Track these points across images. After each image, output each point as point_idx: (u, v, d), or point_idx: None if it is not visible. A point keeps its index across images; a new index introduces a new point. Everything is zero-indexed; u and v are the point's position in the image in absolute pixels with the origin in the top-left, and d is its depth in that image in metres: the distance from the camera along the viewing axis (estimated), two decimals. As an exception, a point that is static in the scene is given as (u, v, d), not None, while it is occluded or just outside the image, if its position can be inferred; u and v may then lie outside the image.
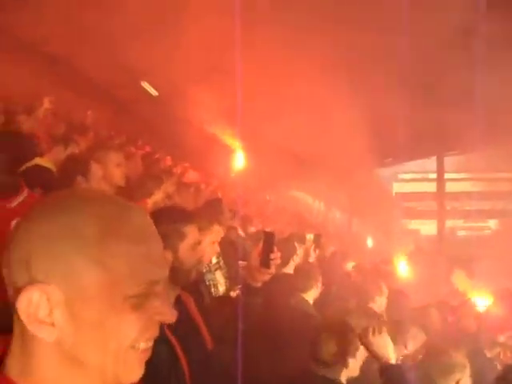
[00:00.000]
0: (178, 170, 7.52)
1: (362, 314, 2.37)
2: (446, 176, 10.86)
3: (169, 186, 4.45)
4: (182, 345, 1.51)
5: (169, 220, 1.62)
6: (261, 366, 2.09)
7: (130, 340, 0.65)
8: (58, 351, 0.63)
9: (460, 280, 4.70)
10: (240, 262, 3.82)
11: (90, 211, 0.65)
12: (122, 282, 0.64)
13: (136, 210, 0.71)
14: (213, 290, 2.96)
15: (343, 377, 1.83)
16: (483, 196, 19.86)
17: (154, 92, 9.06)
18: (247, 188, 9.86)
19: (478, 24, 4.52)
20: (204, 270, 2.97)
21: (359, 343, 1.83)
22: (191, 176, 7.81)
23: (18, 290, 0.62)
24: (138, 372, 0.68)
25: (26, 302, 0.61)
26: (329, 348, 1.80)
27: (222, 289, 3.02)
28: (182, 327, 1.57)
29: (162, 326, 1.47)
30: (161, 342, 1.42)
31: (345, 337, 1.82)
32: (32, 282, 0.61)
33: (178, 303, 1.64)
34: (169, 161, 7.76)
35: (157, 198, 3.82)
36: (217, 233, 2.95)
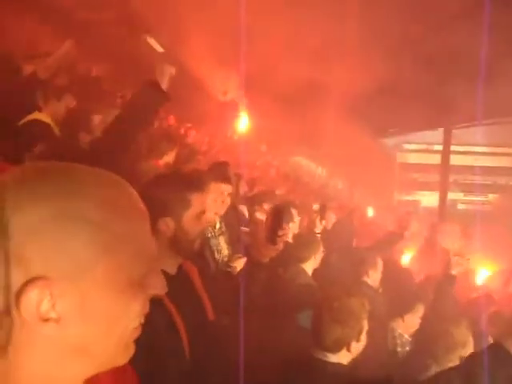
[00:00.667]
0: (181, 130, 7.43)
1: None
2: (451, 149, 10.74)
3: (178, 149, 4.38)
4: (181, 312, 1.48)
5: (174, 187, 1.54)
6: (260, 341, 2.09)
7: (134, 323, 0.65)
8: (59, 342, 0.60)
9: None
10: (242, 228, 3.81)
11: (90, 193, 0.60)
12: (127, 265, 0.62)
13: (128, 185, 0.67)
14: (217, 255, 2.95)
15: (346, 360, 1.81)
16: (485, 171, 19.78)
17: (159, 48, 8.83)
18: (251, 151, 9.77)
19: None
20: (209, 235, 2.96)
21: (363, 324, 1.81)
22: (194, 136, 7.71)
23: (16, 295, 0.55)
24: (132, 351, 0.67)
25: (29, 305, 0.56)
26: (332, 336, 1.76)
27: (225, 253, 3.01)
28: (183, 296, 1.55)
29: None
30: (158, 307, 1.38)
31: (348, 322, 1.78)
32: (30, 279, 0.56)
33: (180, 272, 1.60)
34: (172, 120, 7.64)
35: (168, 159, 3.75)
36: (223, 192, 2.93)
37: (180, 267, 1.61)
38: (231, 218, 3.55)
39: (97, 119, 3.24)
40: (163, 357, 1.42)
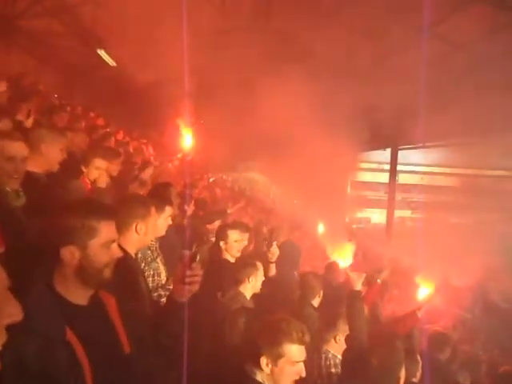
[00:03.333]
0: (131, 145, 7.29)
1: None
2: (399, 168, 11.16)
3: (114, 166, 4.29)
4: (89, 349, 1.42)
5: (80, 214, 1.48)
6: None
7: None
8: None
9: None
10: (184, 251, 3.76)
11: None
12: None
13: None
14: (156, 278, 2.89)
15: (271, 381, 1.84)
16: (432, 189, 20.63)
17: (111, 62, 8.69)
18: (202, 168, 9.72)
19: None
20: (149, 259, 2.90)
21: (288, 349, 1.83)
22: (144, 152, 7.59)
23: None
24: None
25: None
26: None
27: (163, 275, 2.95)
28: (93, 329, 1.49)
29: (62, 328, 1.38)
30: (58, 345, 1.34)
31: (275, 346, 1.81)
32: None
33: (94, 303, 1.55)
34: (121, 135, 7.51)
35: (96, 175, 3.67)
36: (167, 216, 2.89)
37: (94, 297, 1.56)
38: (173, 239, 3.51)
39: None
40: None
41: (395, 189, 10.81)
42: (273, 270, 3.76)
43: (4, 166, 2.33)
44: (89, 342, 1.43)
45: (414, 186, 20.58)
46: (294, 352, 1.83)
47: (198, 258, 1.72)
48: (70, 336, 1.39)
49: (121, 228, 2.28)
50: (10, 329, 1.29)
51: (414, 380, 2.86)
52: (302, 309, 3.60)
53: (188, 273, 1.66)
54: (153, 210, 2.61)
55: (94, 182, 3.65)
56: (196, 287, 1.70)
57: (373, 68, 7.73)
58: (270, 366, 1.81)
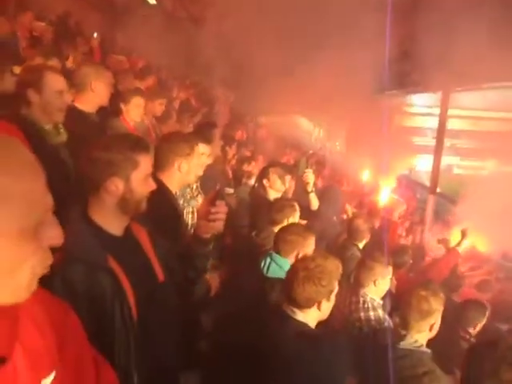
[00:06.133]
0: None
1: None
2: (449, 112, 10.56)
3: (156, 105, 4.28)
4: (129, 276, 1.49)
5: (122, 147, 1.53)
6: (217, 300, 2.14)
7: (29, 264, 0.73)
8: None
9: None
10: (226, 189, 3.79)
11: None
12: (18, 216, 0.70)
13: (20, 145, 0.75)
14: (196, 216, 2.92)
15: (313, 320, 1.85)
16: (483, 136, 19.60)
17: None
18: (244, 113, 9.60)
19: None
20: (188, 197, 2.93)
21: (334, 285, 1.83)
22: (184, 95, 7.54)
23: None
24: (32, 290, 0.78)
25: None
26: (304, 293, 1.79)
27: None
28: (131, 259, 1.56)
29: (104, 256, 1.45)
30: (103, 272, 1.41)
31: (321, 281, 1.80)
32: None
33: (128, 234, 1.60)
34: (163, 74, 7.44)
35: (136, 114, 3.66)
36: (203, 152, 2.89)
37: (127, 228, 1.60)
38: (214, 179, 3.51)
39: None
40: (112, 321, 1.41)
41: (444, 134, 10.29)
42: (314, 202, 3.70)
43: (53, 101, 2.36)
44: (128, 270, 1.49)
45: (465, 131, 19.58)
46: (337, 284, 1.88)
47: (226, 193, 1.71)
48: (112, 263, 1.45)
49: (164, 165, 2.31)
50: (55, 257, 1.36)
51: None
52: (348, 250, 3.62)
53: (212, 210, 1.66)
54: (196, 149, 2.61)
55: (134, 121, 3.66)
56: (220, 225, 1.71)
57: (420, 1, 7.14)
58: (325, 304, 1.82)
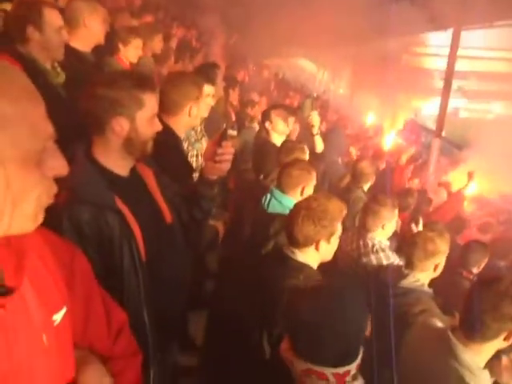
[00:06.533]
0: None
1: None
2: (459, 53, 10.19)
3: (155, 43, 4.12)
4: (137, 217, 1.47)
5: (125, 85, 1.45)
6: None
7: (34, 194, 0.73)
8: None
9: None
10: (229, 131, 3.72)
11: None
12: (20, 142, 0.69)
13: (18, 71, 0.73)
14: (200, 159, 2.89)
15: (314, 262, 1.85)
16: (492, 77, 19.05)
17: None
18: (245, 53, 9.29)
19: None
20: (193, 140, 2.88)
21: (336, 227, 1.82)
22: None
23: None
24: (39, 221, 0.78)
25: None
26: (303, 231, 1.78)
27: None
28: (137, 200, 1.54)
29: (111, 197, 1.44)
30: (110, 213, 1.38)
31: (322, 221, 1.79)
32: None
33: (134, 175, 1.57)
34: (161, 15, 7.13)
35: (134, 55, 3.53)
36: (208, 94, 2.80)
37: (133, 169, 1.57)
38: (217, 121, 3.44)
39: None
40: (120, 261, 1.42)
41: (453, 75, 9.98)
42: (319, 145, 3.66)
43: (54, 38, 2.25)
44: (135, 211, 1.48)
45: (473, 72, 19.00)
46: (340, 226, 1.86)
47: (230, 135, 1.66)
48: (119, 204, 1.43)
49: (171, 109, 2.23)
50: (61, 198, 1.34)
51: None
52: (353, 192, 3.62)
53: (218, 150, 1.62)
54: (202, 90, 2.53)
55: (130, 61, 3.53)
56: (226, 166, 1.67)
57: None
58: (324, 246, 1.82)
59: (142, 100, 1.47)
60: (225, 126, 1.72)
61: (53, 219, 1.30)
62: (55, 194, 1.33)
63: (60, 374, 0.85)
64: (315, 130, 3.63)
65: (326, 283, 1.51)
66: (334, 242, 1.87)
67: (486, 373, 1.55)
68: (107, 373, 0.94)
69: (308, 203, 1.85)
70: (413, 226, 3.08)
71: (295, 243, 1.82)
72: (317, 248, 1.81)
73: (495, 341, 1.54)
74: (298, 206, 1.88)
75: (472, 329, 1.55)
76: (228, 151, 1.65)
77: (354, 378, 1.18)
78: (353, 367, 1.17)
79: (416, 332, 1.83)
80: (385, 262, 2.64)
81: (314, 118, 3.61)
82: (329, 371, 1.15)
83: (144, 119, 1.48)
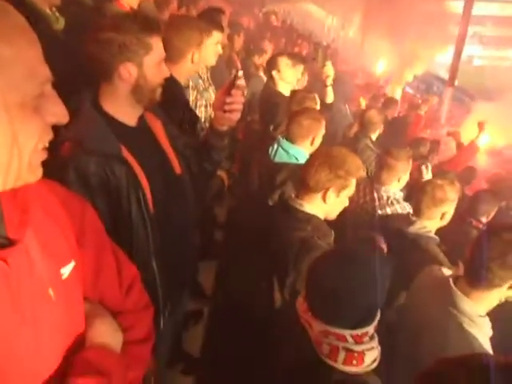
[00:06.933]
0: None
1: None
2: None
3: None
4: (144, 168, 1.44)
5: (133, 29, 1.38)
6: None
7: (33, 142, 0.70)
8: None
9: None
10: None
11: None
12: (17, 86, 0.67)
13: (13, 10, 0.69)
14: (209, 109, 2.81)
15: (321, 213, 1.83)
16: (510, 22, 18.23)
17: None
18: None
19: None
20: (201, 89, 2.79)
21: (349, 182, 1.79)
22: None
23: None
24: (39, 172, 0.75)
25: None
26: (316, 176, 1.75)
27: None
28: (145, 150, 1.50)
29: (118, 146, 1.41)
30: (117, 162, 1.35)
31: (337, 170, 1.75)
32: None
33: (142, 125, 1.53)
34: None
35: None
36: (216, 42, 2.69)
37: (140, 118, 1.52)
38: (223, 70, 3.34)
39: None
40: (128, 213, 1.41)
41: (469, 19, 9.55)
42: (330, 96, 3.57)
43: None
44: (143, 161, 1.45)
45: (491, 17, 18.16)
46: (353, 183, 1.82)
47: (238, 84, 1.58)
48: (126, 154, 1.40)
49: (175, 56, 2.14)
50: (67, 149, 1.32)
51: None
52: (360, 141, 3.56)
53: (228, 100, 1.55)
54: (209, 36, 2.42)
55: (131, 6, 3.37)
56: (237, 115, 1.61)
57: None
58: (332, 198, 1.79)
59: (150, 44, 1.41)
60: (233, 74, 1.62)
61: (58, 171, 1.29)
62: (60, 145, 1.32)
63: (69, 328, 0.84)
64: (329, 81, 3.52)
65: (346, 248, 1.48)
66: (343, 199, 1.82)
67: (487, 320, 1.56)
68: (118, 327, 0.93)
69: (329, 151, 1.81)
70: (423, 169, 3.03)
71: (304, 189, 1.80)
72: (324, 197, 1.77)
73: (499, 289, 1.54)
74: (317, 152, 1.85)
75: (477, 276, 1.54)
76: (238, 100, 1.58)
77: (372, 337, 1.21)
78: (371, 328, 1.19)
79: (419, 279, 1.84)
80: (399, 214, 2.62)
81: (329, 68, 3.48)
82: (347, 333, 1.16)
83: (152, 64, 1.43)
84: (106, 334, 0.89)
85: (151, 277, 1.47)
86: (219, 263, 3.40)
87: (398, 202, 2.68)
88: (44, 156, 0.74)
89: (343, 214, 1.93)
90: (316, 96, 3.04)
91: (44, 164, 1.28)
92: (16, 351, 0.73)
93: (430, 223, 2.26)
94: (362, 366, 1.17)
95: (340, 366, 1.17)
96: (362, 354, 1.17)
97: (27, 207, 0.76)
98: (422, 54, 11.45)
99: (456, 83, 9.49)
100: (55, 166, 1.30)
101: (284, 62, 3.36)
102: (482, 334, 1.53)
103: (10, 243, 0.72)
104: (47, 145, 0.74)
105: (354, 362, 1.16)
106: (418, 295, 1.82)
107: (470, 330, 1.53)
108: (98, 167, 1.34)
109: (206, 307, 3.01)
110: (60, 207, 0.86)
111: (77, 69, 1.97)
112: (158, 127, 1.58)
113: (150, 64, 1.42)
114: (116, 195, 1.38)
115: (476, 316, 1.54)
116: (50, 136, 0.73)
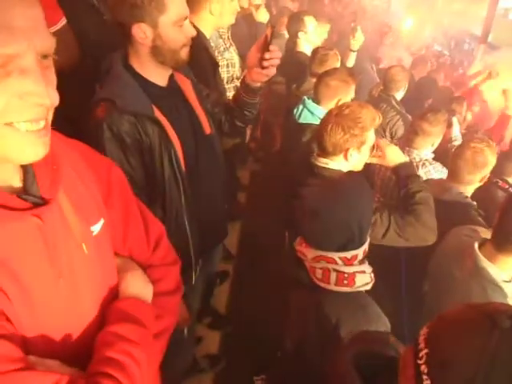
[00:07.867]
0: None
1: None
2: None
3: None
4: (176, 127, 1.44)
5: None
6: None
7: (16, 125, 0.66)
8: None
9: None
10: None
11: None
12: None
13: None
14: (231, 69, 2.77)
15: (347, 169, 1.80)
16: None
17: None
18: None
19: None
20: (222, 49, 2.75)
21: (367, 137, 1.75)
22: None
23: None
24: (34, 152, 0.69)
25: None
26: (332, 138, 1.73)
27: (237, 67, 2.82)
28: (176, 109, 1.51)
29: (150, 106, 1.40)
30: (149, 121, 1.37)
31: (352, 129, 1.71)
32: None
33: (172, 85, 1.52)
34: None
35: None
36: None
37: (171, 79, 1.52)
38: (244, 29, 3.26)
39: None
40: (161, 171, 1.43)
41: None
42: (352, 60, 3.46)
43: None
44: (174, 121, 1.45)
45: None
46: (372, 134, 1.77)
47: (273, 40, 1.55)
48: (158, 114, 1.41)
49: (193, 7, 2.11)
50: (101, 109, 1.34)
51: None
52: (384, 101, 3.45)
53: (266, 55, 1.52)
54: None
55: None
56: (273, 71, 1.58)
57: None
58: (354, 155, 1.76)
59: (164, 3, 1.34)
60: (269, 30, 1.57)
61: (94, 130, 1.33)
62: (96, 105, 1.32)
63: (103, 281, 0.89)
64: (356, 46, 3.40)
65: (335, 180, 1.52)
66: (366, 152, 1.78)
67: (511, 285, 1.54)
68: (148, 280, 0.97)
69: (339, 110, 1.76)
70: (454, 121, 2.93)
71: (325, 152, 1.78)
72: (346, 157, 1.75)
73: None
74: (329, 113, 1.80)
75: (505, 239, 1.52)
76: (276, 55, 1.55)
77: (362, 262, 1.30)
78: (359, 252, 1.28)
79: (446, 241, 1.83)
80: (434, 175, 2.55)
81: (359, 34, 3.37)
82: (336, 255, 1.26)
83: (169, 25, 1.37)
84: (137, 286, 0.93)
85: (183, 234, 1.51)
86: (243, 224, 3.46)
87: (431, 163, 2.61)
88: (41, 137, 0.69)
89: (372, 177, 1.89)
90: (337, 52, 2.95)
91: (82, 124, 1.32)
92: (55, 303, 0.78)
93: (469, 188, 2.19)
94: (353, 286, 1.27)
95: (333, 287, 1.27)
96: (352, 275, 1.27)
97: (58, 167, 0.78)
98: (451, 8, 10.87)
99: (489, 39, 9.03)
100: (92, 125, 1.35)
101: (311, 22, 3.25)
102: (507, 299, 1.52)
103: (44, 202, 0.75)
104: (37, 126, 0.68)
105: (345, 281, 1.26)
106: (443, 256, 1.81)
107: (493, 294, 1.52)
108: (132, 126, 1.35)
109: (232, 267, 3.10)
110: (88, 168, 0.88)
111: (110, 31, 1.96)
112: (187, 87, 1.57)
113: (166, 24, 1.37)
114: (149, 154, 1.40)
115: (500, 281, 1.53)
116: (34, 115, 0.67)
